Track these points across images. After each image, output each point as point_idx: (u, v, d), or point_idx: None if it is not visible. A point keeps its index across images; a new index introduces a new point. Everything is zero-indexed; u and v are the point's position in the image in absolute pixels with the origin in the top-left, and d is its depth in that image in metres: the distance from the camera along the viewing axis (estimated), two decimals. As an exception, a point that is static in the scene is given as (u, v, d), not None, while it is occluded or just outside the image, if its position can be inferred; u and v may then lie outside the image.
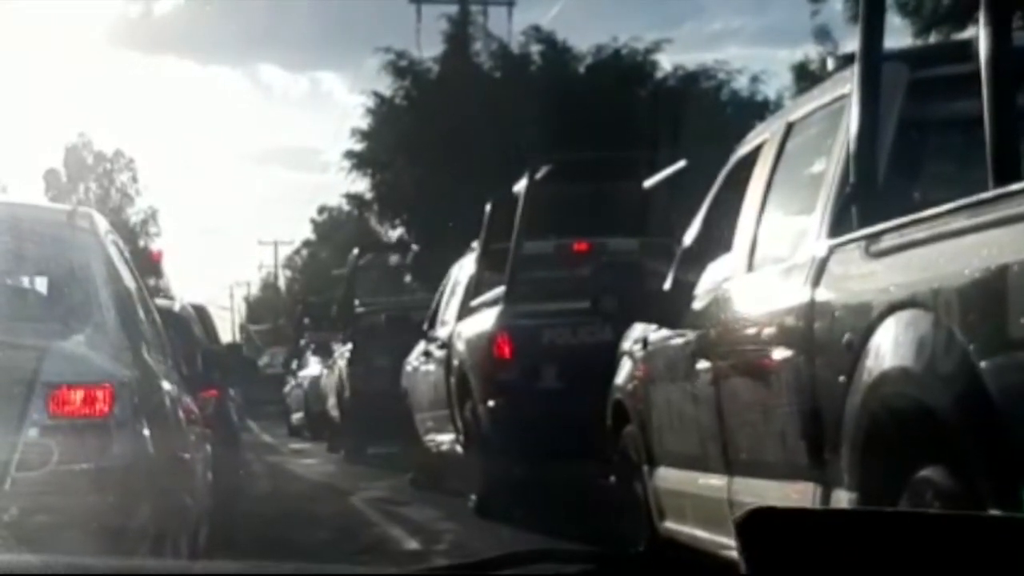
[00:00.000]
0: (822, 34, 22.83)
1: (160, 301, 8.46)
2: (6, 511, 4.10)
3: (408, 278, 26.02)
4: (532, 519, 8.85)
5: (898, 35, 22.64)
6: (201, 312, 12.80)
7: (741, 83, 26.29)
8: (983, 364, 3.43)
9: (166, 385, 5.39)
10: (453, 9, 28.95)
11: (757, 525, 1.37)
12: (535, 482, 9.40)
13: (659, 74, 26.75)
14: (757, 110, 24.36)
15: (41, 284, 5.50)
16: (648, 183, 9.50)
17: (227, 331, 48.71)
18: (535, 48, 27.59)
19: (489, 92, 25.73)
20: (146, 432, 4.64)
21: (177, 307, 10.59)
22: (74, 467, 4.28)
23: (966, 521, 1.38)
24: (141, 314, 5.51)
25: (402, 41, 29.57)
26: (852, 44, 4.83)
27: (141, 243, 51.53)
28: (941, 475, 3.68)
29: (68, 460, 4.26)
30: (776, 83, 33.81)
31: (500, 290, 10.21)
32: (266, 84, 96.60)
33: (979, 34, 3.78)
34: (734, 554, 5.23)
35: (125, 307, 5.12)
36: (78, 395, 4.35)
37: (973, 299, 3.52)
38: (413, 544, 8.59)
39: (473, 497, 10.30)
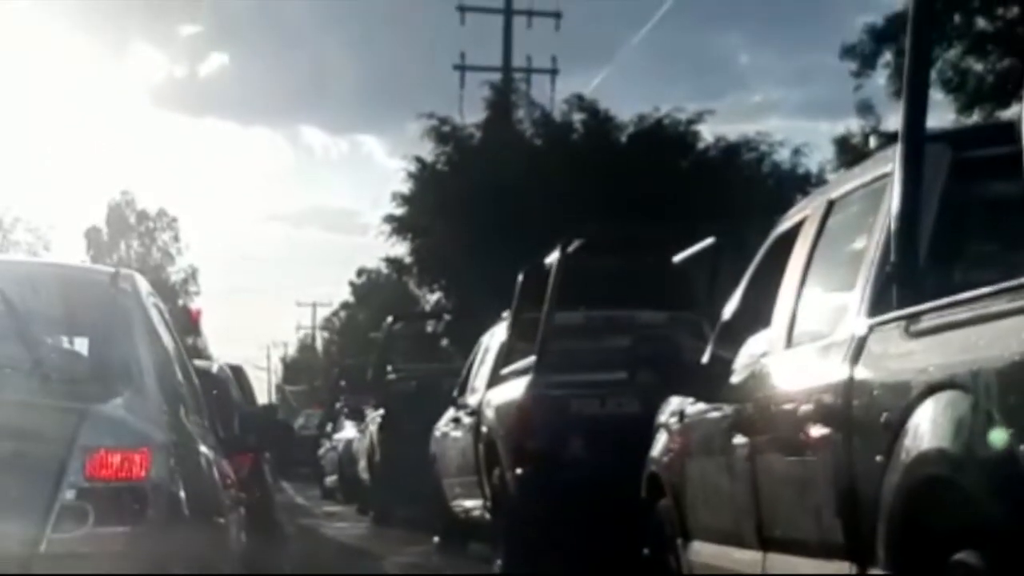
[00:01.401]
0: (865, 108, 22.83)
1: (198, 362, 8.53)
2: (41, 573, 4.07)
3: (445, 342, 26.12)
4: None
5: (941, 111, 22.66)
6: (238, 373, 12.92)
7: (783, 155, 26.16)
8: (1022, 448, 3.37)
9: (203, 448, 5.37)
10: (496, 76, 29.30)
11: None
12: (562, 549, 9.42)
13: (701, 145, 26.68)
14: (798, 183, 24.38)
15: (82, 346, 5.49)
16: (677, 258, 9.62)
17: (263, 391, 48.95)
18: (577, 116, 27.60)
19: (531, 159, 25.83)
20: (182, 496, 4.61)
21: (215, 368, 10.70)
22: (110, 531, 4.25)
23: None
24: (179, 376, 5.50)
25: (445, 107, 29.78)
26: (895, 119, 4.85)
27: (180, 302, 51.87)
28: (977, 559, 3.63)
29: (104, 524, 4.24)
30: (818, 156, 33.71)
31: (530, 359, 10.38)
32: (307, 145, 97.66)
33: (1021, 114, 3.79)
34: None
35: (164, 370, 5.15)
36: (115, 459, 4.33)
37: (1012, 382, 3.48)
38: None
39: (499, 562, 10.45)
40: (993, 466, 3.52)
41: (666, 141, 26.13)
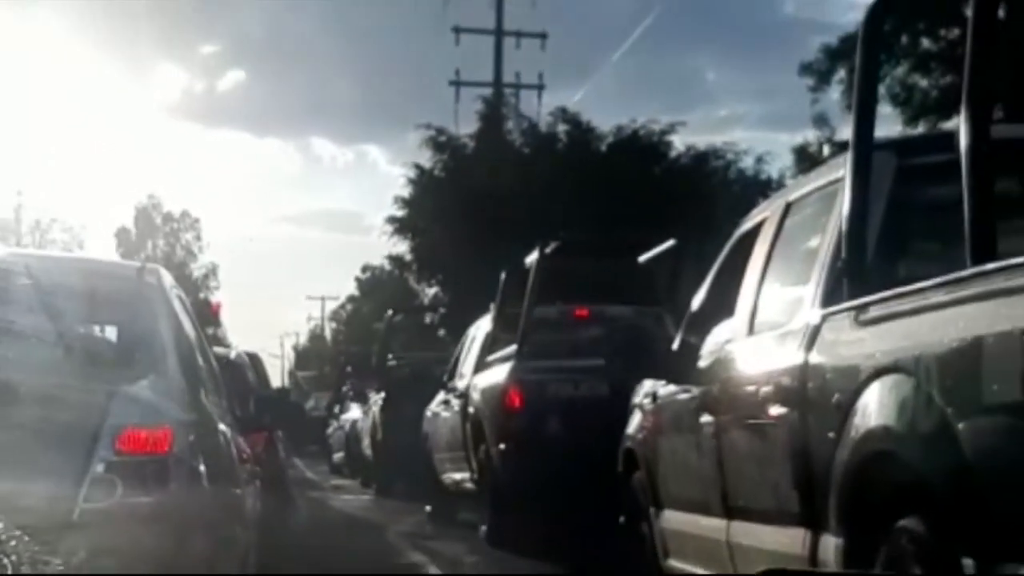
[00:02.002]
0: (821, 120, 22.77)
1: (217, 349, 8.44)
2: (73, 540, 4.02)
3: (441, 332, 26.03)
4: (537, 551, 8.95)
5: (889, 123, 22.58)
6: (254, 359, 12.87)
7: (747, 163, 26.02)
8: (958, 425, 3.35)
9: (221, 426, 5.34)
10: (488, 91, 29.14)
11: None
12: (541, 517, 9.43)
13: (673, 153, 26.52)
14: (761, 187, 24.27)
15: (111, 333, 5.45)
16: (642, 258, 9.66)
17: (277, 377, 48.62)
18: (562, 127, 27.45)
19: (519, 167, 25.68)
20: (202, 469, 4.59)
21: (233, 355, 10.66)
22: (136, 500, 4.25)
23: None
24: (200, 361, 5.47)
25: (441, 119, 29.63)
26: (847, 129, 4.78)
27: (202, 295, 51.58)
28: (918, 524, 3.62)
29: (131, 494, 4.24)
30: (778, 163, 33.61)
31: (512, 348, 10.43)
32: (316, 155, 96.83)
33: (960, 126, 3.71)
34: None
35: (186, 355, 5.10)
36: (141, 435, 4.34)
37: (950, 366, 3.45)
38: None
39: (484, 528, 10.47)
40: (932, 442, 3.49)
41: (642, 150, 26.00)
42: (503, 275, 11.49)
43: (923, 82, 21.42)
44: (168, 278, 5.61)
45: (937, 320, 3.56)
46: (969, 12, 3.62)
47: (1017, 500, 3.19)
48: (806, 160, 21.81)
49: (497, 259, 13.00)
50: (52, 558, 3.30)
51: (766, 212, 5.64)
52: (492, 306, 11.86)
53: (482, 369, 11.33)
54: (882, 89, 21.87)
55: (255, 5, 77.38)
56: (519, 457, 9.87)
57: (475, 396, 11.18)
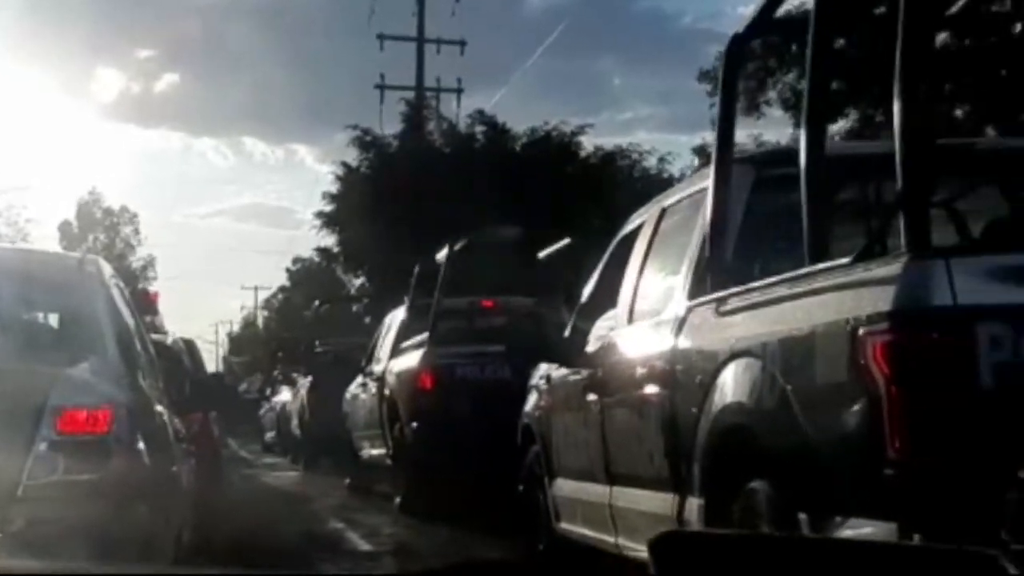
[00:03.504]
0: (714, 125, 23.09)
1: (155, 336, 8.20)
2: (17, 515, 3.97)
3: (367, 320, 25.92)
4: (447, 518, 8.96)
5: (781, 126, 22.93)
6: (190, 345, 12.58)
7: (651, 163, 25.97)
8: (796, 401, 3.55)
9: (158, 407, 5.23)
10: (411, 94, 28.78)
11: (668, 546, 1.27)
12: (450, 487, 9.46)
13: (582, 153, 26.44)
14: (663, 186, 24.28)
15: (53, 320, 5.39)
16: (542, 255, 9.82)
17: (212, 362, 47.85)
18: (479, 128, 27.25)
19: (439, 165, 25.43)
20: (140, 447, 4.49)
21: (169, 341, 10.35)
22: (77, 477, 4.17)
23: (857, 546, 1.31)
24: (138, 346, 5.34)
25: (367, 120, 29.22)
26: (743, 132, 4.90)
27: (140, 285, 50.63)
28: (765, 486, 3.78)
29: (72, 471, 4.16)
30: (680, 163, 33.78)
31: (424, 335, 10.47)
32: (248, 153, 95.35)
33: (800, 143, 3.87)
34: (613, 547, 5.30)
35: (124, 340, 4.99)
36: (82, 416, 4.25)
37: (790, 351, 3.63)
38: (365, 545, 8.59)
39: (398, 498, 10.54)
40: (775, 415, 3.68)
41: (553, 150, 25.91)
42: (416, 269, 11.56)
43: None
44: (108, 268, 5.48)
45: (781, 311, 3.74)
46: (808, 48, 3.85)
47: (842, 465, 3.41)
48: (706, 160, 22.04)
49: (418, 252, 12.98)
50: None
51: (644, 216, 5.70)
52: (406, 298, 11.95)
53: (397, 355, 11.35)
54: (774, 94, 22.21)
55: (190, 12, 76.43)
56: (430, 434, 9.92)
57: (391, 379, 11.22)
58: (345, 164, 27.77)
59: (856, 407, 3.31)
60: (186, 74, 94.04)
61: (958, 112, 19.28)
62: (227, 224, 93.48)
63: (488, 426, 8.26)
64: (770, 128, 23.83)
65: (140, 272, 55.11)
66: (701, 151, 24.18)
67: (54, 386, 4.27)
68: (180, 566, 4.58)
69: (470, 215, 19.70)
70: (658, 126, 69.48)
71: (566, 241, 9.26)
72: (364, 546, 8.59)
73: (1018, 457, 3.03)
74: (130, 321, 5.39)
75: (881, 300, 3.22)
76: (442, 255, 10.63)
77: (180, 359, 9.38)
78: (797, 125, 22.46)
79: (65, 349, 4.73)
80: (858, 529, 3.31)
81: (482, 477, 8.63)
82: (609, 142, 28.65)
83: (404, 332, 11.53)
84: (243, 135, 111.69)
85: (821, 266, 3.57)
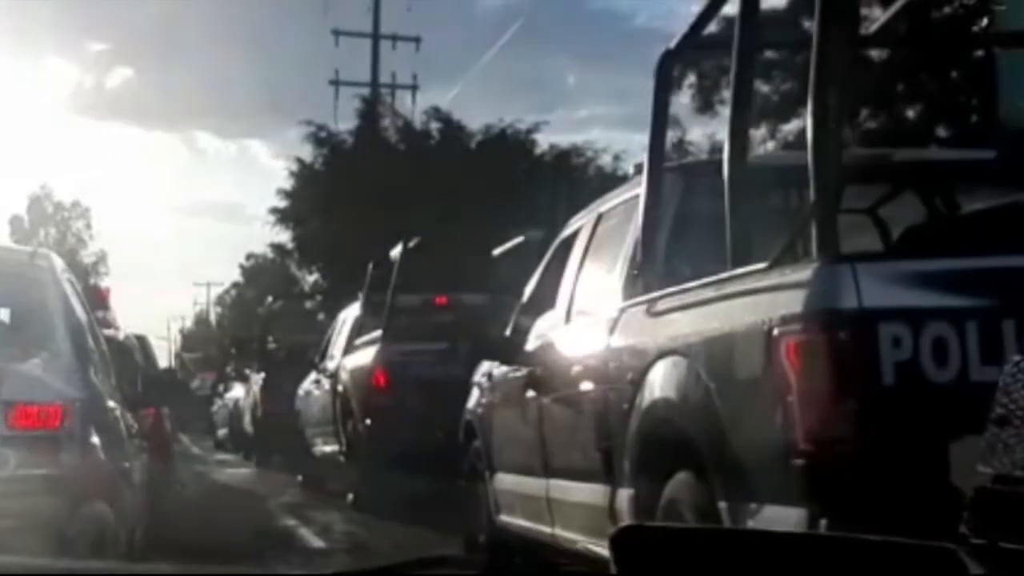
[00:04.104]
0: (673, 122, 23.26)
1: (107, 331, 8.10)
2: None
3: (321, 317, 25.88)
4: (398, 513, 9.00)
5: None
6: (142, 341, 12.51)
7: (605, 160, 25.99)
8: (718, 397, 3.71)
9: (110, 403, 5.20)
10: (366, 90, 28.83)
11: (628, 539, 1.27)
12: (402, 484, 9.48)
13: (537, 151, 26.68)
14: (618, 183, 24.45)
15: (3, 314, 5.26)
16: (495, 252, 9.92)
17: (164, 358, 47.48)
18: (435, 125, 27.41)
19: (394, 162, 25.54)
20: (92, 443, 4.48)
21: (121, 336, 10.35)
22: (29, 472, 4.14)
23: (817, 540, 1.29)
24: (90, 342, 5.25)
25: (322, 116, 29.54)
26: (698, 131, 5.04)
27: (92, 281, 50.25)
28: (689, 477, 3.92)
29: (24, 466, 4.13)
30: (633, 161, 33.93)
31: (378, 332, 10.55)
32: (201, 148, 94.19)
33: (723, 155, 4.02)
34: (550, 538, 5.41)
35: (76, 336, 4.92)
36: (34, 411, 4.22)
37: (713, 350, 3.78)
38: (317, 542, 8.64)
39: (351, 496, 10.64)
40: (699, 411, 3.84)
41: (508, 147, 26.11)
42: (370, 266, 11.59)
43: (765, 88, 21.96)
44: (59, 263, 5.40)
45: (705, 312, 3.90)
46: (732, 66, 4.07)
47: (758, 457, 3.57)
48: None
49: (373, 248, 12.89)
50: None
51: (582, 221, 5.83)
52: (360, 295, 11.98)
53: (351, 351, 11.39)
54: (728, 94, 22.45)
55: (144, 5, 75.89)
56: (383, 430, 9.95)
57: (344, 376, 11.27)
58: (299, 160, 27.86)
59: (771, 402, 3.45)
60: (139, 68, 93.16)
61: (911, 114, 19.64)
62: (180, 219, 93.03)
63: (439, 422, 8.29)
64: (724, 126, 24.02)
65: (92, 267, 54.67)
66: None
67: (5, 381, 4.23)
68: (134, 564, 4.49)
69: (424, 212, 19.84)
70: (612, 124, 69.70)
71: (520, 239, 9.40)
72: (317, 543, 8.63)
73: (917, 447, 3.23)
74: (82, 316, 5.32)
75: (793, 302, 3.39)
76: (396, 252, 10.73)
77: (132, 355, 9.36)
78: (752, 125, 22.80)
79: (16, 344, 4.66)
80: (772, 516, 3.46)
81: (430, 472, 8.69)
82: (564, 140, 28.88)
83: (358, 329, 11.60)
84: (197, 130, 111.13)
85: (741, 271, 3.74)
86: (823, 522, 3.28)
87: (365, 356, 10.71)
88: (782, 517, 3.42)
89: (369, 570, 1.78)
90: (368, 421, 10.31)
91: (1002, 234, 3.77)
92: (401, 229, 12.61)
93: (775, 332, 3.44)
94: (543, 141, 26.84)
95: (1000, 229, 3.86)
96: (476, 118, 32.43)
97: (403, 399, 9.80)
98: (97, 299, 11.78)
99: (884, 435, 3.28)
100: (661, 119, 4.74)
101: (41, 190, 57.47)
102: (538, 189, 23.02)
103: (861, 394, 3.30)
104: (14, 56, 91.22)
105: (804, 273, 3.42)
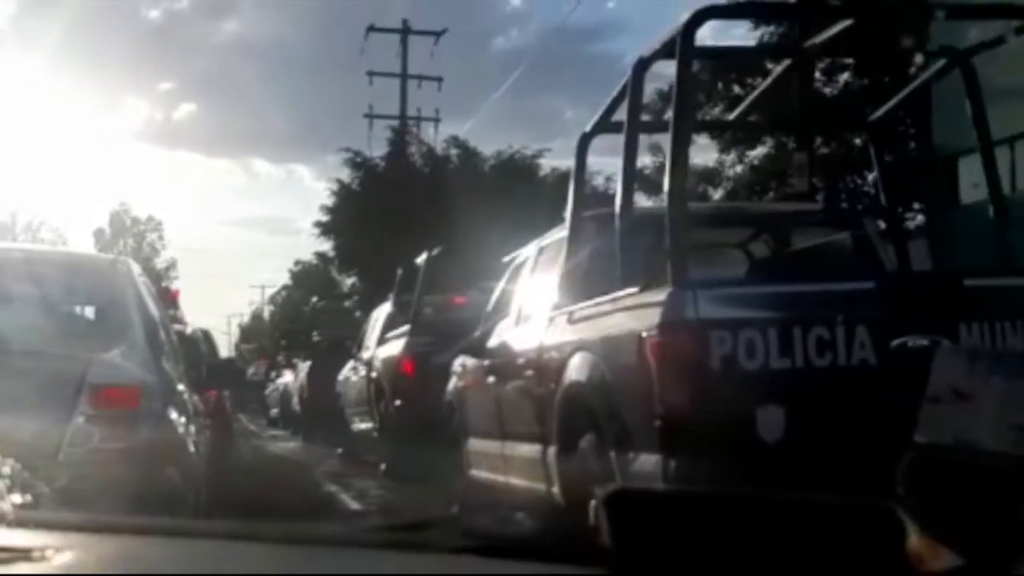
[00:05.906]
0: (656, 149, 23.48)
1: (176, 326, 7.76)
2: (60, 475, 3.72)
3: (358, 314, 26.38)
4: (423, 479, 8.56)
5: (705, 152, 23.33)
6: (206, 335, 11.85)
7: (599, 181, 26.14)
8: (611, 380, 4.31)
9: (179, 387, 5.17)
10: (395, 122, 28.84)
11: (619, 502, 1.16)
12: (425, 454, 9.15)
13: (541, 174, 26.89)
14: (609, 200, 24.56)
15: (90, 312, 5.30)
16: (506, 259, 10.24)
17: (225, 349, 47.68)
18: (454, 151, 27.68)
19: (420, 183, 25.78)
20: (164, 420, 4.47)
21: (188, 331, 9.99)
22: (110, 445, 4.12)
23: (806, 504, 1.17)
24: (162, 335, 5.22)
25: (358, 144, 29.52)
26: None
27: (163, 284, 50.69)
28: (593, 438, 4.39)
29: (106, 441, 4.11)
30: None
31: (406, 327, 10.51)
32: (255, 172, 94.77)
33: (615, 206, 4.57)
34: (504, 485, 5.78)
35: (150, 330, 4.90)
36: (115, 393, 4.20)
37: (607, 346, 4.34)
38: (355, 505, 8.60)
39: (383, 465, 10.70)
40: (599, 389, 4.40)
41: (516, 170, 26.32)
42: (399, 271, 11.52)
43: (730, 117, 22.21)
44: (136, 268, 5.41)
45: (603, 320, 4.53)
46: (671, 117, 4.38)
47: (633, 421, 4.07)
48: (643, 181, 22.61)
49: (403, 256, 12.84)
50: (39, 483, 3.03)
51: (530, 250, 6.27)
52: (391, 295, 12.05)
53: (383, 344, 11.37)
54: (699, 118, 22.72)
55: (205, 50, 76.75)
56: (410, 410, 9.83)
57: (378, 364, 11.24)
58: (339, 181, 28.16)
59: (642, 383, 3.98)
60: (202, 104, 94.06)
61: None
62: (238, 232, 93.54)
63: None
64: (698, 154, 24.36)
65: (164, 272, 55.01)
66: (639, 174, 24.50)
67: (90, 368, 4.19)
68: (199, 521, 4.12)
69: (445, 225, 20.35)
70: (603, 151, 69.47)
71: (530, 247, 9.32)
72: (354, 505, 8.59)
73: (735, 412, 3.77)
74: (155, 313, 5.25)
75: (654, 315, 4.00)
76: (422, 259, 10.66)
77: (198, 346, 9.13)
78: (722, 150, 23.27)
79: (100, 337, 4.63)
80: (641, 460, 4.00)
81: (446, 444, 8.71)
82: (563, 164, 29.06)
83: (389, 324, 11.47)
84: (251, 156, 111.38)
85: (623, 292, 4.37)
86: (672, 463, 3.86)
87: (395, 347, 10.64)
88: (648, 462, 4.01)
89: (398, 526, 1.34)
90: (397, 402, 10.24)
91: (801, 267, 4.54)
92: (426, 239, 12.57)
93: (643, 335, 4.06)
94: (546, 165, 27.10)
95: (802, 263, 4.65)
96: (489, 146, 32.67)
97: (426, 384, 9.39)
98: (168, 299, 11.96)
99: (713, 404, 3.86)
100: (579, 186, 5.37)
101: (120, 207, 58.13)
102: (541, 205, 23.60)
103: (698, 377, 3.83)
104: (96, 94, 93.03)
105: (661, 295, 4.07)
